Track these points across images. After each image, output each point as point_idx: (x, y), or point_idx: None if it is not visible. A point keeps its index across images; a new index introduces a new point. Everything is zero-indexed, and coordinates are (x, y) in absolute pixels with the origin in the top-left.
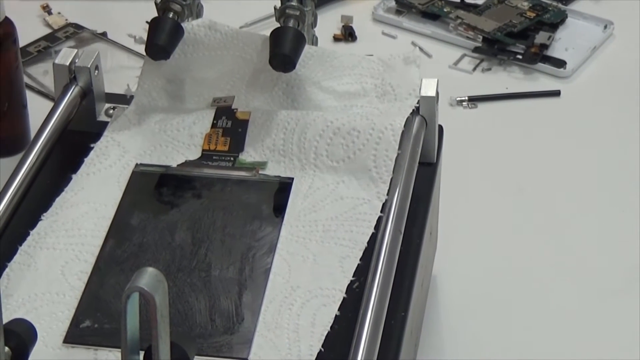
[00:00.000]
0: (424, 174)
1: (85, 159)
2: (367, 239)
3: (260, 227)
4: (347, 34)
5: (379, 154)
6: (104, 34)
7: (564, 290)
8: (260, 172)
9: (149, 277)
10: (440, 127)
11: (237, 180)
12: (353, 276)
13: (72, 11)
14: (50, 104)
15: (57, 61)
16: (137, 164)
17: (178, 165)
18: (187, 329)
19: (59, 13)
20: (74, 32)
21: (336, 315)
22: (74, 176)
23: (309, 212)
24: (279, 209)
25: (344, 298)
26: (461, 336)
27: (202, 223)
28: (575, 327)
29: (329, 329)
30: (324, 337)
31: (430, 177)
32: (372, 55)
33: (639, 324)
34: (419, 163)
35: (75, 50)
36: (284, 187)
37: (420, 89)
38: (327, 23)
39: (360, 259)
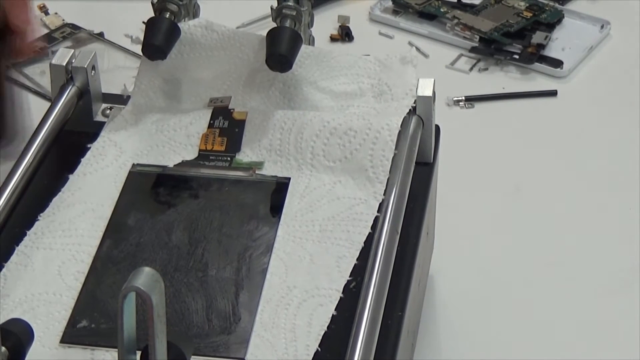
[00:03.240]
0: (421, 174)
1: (82, 159)
2: (364, 238)
3: (257, 227)
4: (344, 34)
5: (376, 154)
6: (100, 34)
7: (561, 289)
8: (257, 172)
9: (145, 277)
10: (437, 127)
11: (234, 180)
12: (350, 276)
13: (69, 11)
14: (47, 104)
15: (54, 61)
16: (134, 164)
17: (175, 165)
18: (183, 329)
19: (56, 13)
20: (70, 33)
21: (333, 315)
22: (70, 176)
23: (306, 212)
24: (276, 209)
25: (340, 298)
26: (458, 336)
27: (199, 223)
28: (574, 326)
29: (325, 328)
30: (320, 337)
31: (427, 177)
32: (368, 55)
33: (637, 324)
34: (416, 163)
35: (72, 51)
36: (280, 187)
37: (417, 89)
38: (323, 23)
39: (357, 259)
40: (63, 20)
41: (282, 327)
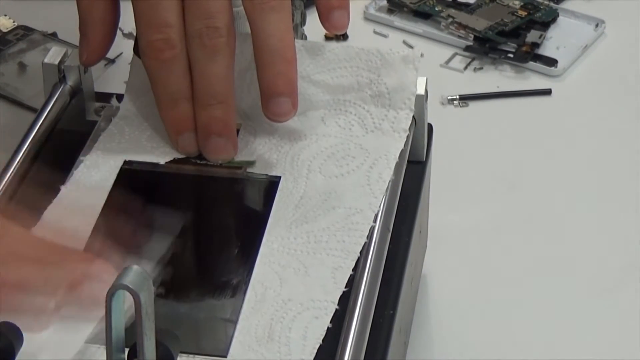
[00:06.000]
0: (413, 172)
1: (75, 172)
2: (360, 248)
3: (246, 225)
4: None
5: (372, 176)
6: (54, 35)
7: (556, 289)
8: (248, 170)
9: (134, 275)
10: (430, 126)
11: (224, 177)
12: (346, 287)
13: (19, 14)
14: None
15: (46, 60)
16: (125, 161)
17: (166, 162)
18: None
19: (5, 15)
20: (24, 34)
21: (328, 327)
22: (62, 187)
23: (301, 223)
24: (266, 207)
25: (336, 309)
26: (452, 335)
27: (187, 220)
28: (569, 325)
29: (320, 342)
30: (315, 351)
31: (420, 175)
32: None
33: (634, 323)
34: (408, 161)
35: (65, 49)
36: (271, 185)
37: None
38: (317, 22)
39: (353, 269)
40: (14, 22)
41: (277, 342)
